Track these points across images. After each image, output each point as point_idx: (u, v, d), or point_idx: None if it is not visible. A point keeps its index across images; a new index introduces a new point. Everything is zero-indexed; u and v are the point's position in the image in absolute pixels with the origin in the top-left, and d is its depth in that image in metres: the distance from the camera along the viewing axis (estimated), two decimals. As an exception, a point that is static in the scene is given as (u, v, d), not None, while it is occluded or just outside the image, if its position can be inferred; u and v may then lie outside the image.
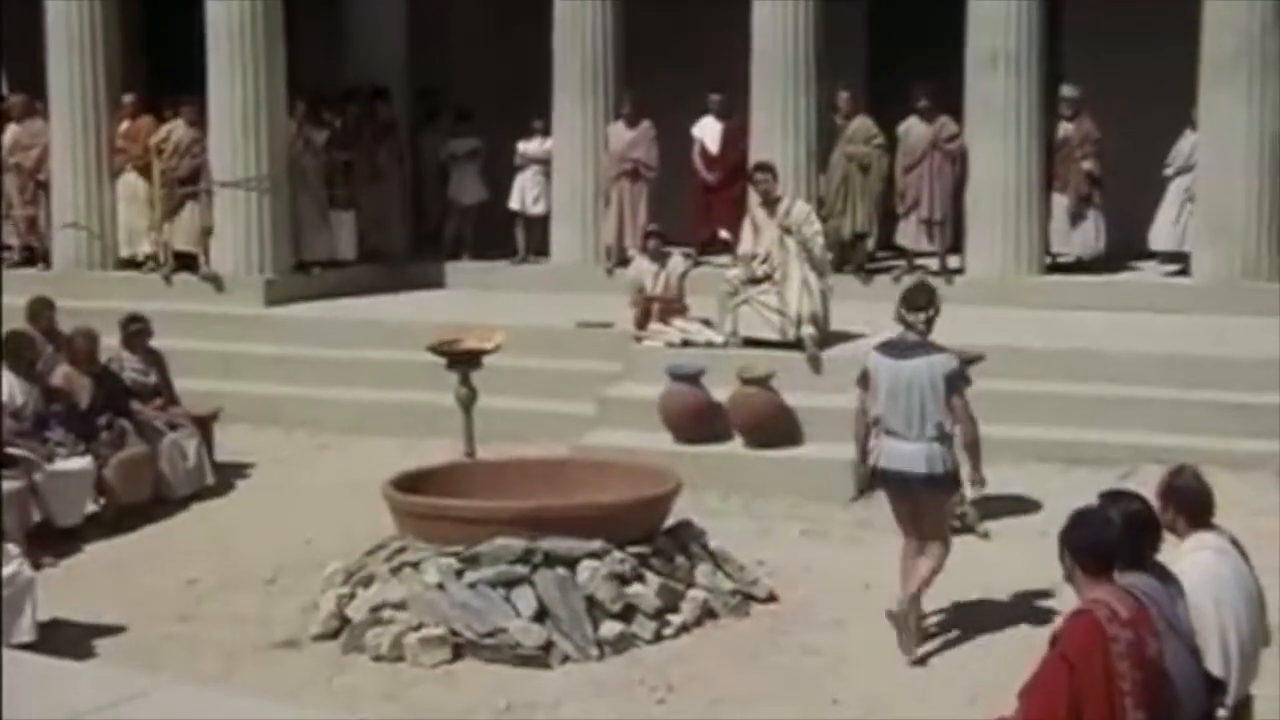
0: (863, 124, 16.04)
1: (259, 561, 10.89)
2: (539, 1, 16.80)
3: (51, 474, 11.46)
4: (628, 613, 9.37)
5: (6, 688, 5.29)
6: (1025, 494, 11.47)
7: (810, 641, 9.39)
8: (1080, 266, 15.99)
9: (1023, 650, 6.98)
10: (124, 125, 17.03)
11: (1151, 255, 16.20)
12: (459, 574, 9.39)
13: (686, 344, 13.40)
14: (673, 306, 13.93)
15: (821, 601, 9.98)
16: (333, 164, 17.15)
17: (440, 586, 9.35)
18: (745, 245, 13.33)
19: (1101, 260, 16.01)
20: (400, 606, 9.38)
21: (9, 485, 10.90)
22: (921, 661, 9.04)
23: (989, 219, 15.46)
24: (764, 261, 13.09)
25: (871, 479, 9.41)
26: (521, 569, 9.35)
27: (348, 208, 17.28)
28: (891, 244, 16.33)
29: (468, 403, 12.27)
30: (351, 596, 9.66)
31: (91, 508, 11.87)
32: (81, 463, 11.73)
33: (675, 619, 9.50)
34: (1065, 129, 15.84)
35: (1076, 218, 15.93)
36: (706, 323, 13.60)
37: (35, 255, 17.46)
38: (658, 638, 9.35)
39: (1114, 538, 5.69)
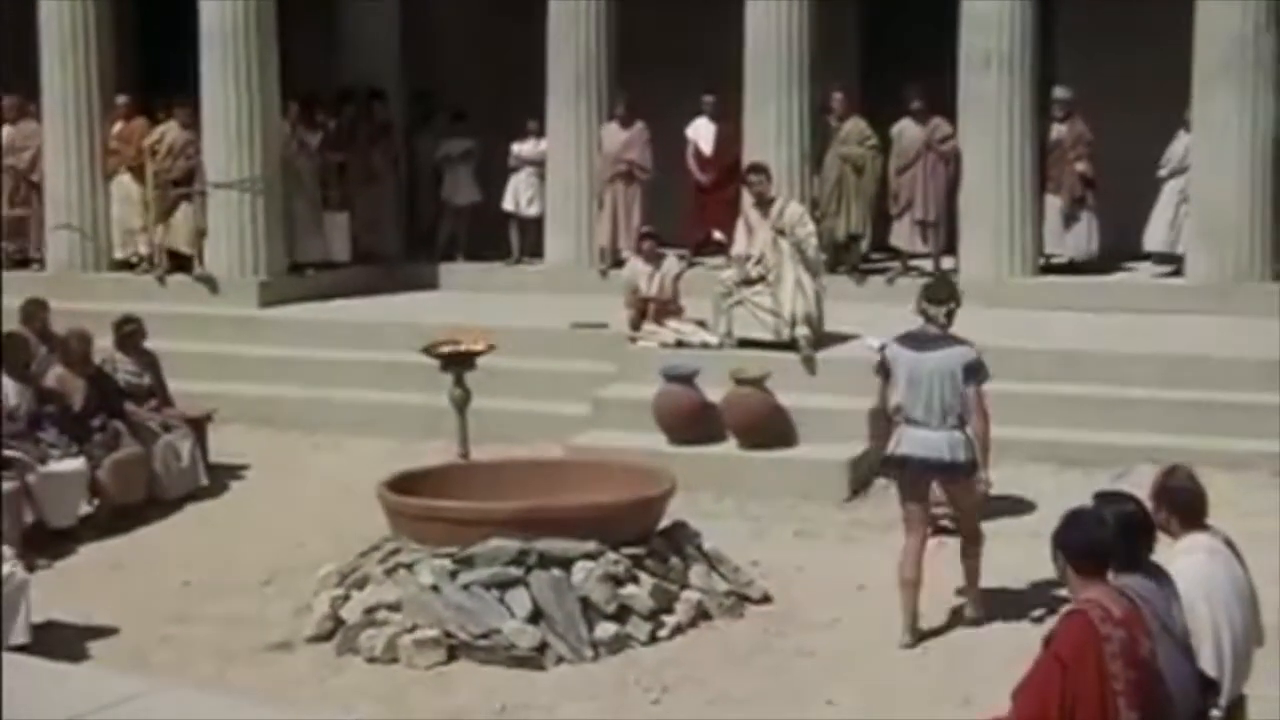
0: (856, 125, 16.05)
1: (253, 563, 10.89)
2: (533, 3, 16.81)
3: (45, 475, 11.44)
4: (622, 614, 9.36)
5: (2, 690, 5.28)
6: (1019, 494, 11.47)
7: (805, 642, 9.39)
8: (1074, 268, 16.02)
9: (1016, 651, 6.98)
10: (118, 127, 17.03)
11: (1145, 257, 16.22)
12: (453, 575, 9.38)
13: (681, 345, 13.41)
14: (667, 308, 13.94)
15: (816, 602, 9.98)
16: (327, 165, 17.16)
17: (435, 588, 9.35)
18: (739, 246, 13.34)
19: (1095, 262, 16.04)
20: (395, 608, 9.38)
21: (3, 487, 10.88)
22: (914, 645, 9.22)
23: (982, 220, 15.48)
24: (758, 263, 13.10)
25: (889, 466, 9.54)
26: (516, 570, 9.34)
27: (342, 209, 17.29)
28: (885, 245, 16.34)
29: (462, 404, 12.27)
30: (346, 598, 9.65)
31: (85, 509, 11.86)
32: (75, 464, 11.72)
33: (670, 620, 9.49)
34: (1058, 130, 15.86)
35: (1070, 219, 15.96)
36: (701, 324, 13.61)
37: (26, 258, 17.42)
38: (652, 639, 9.35)
39: (1107, 538, 5.70)
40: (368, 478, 10.59)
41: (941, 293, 9.49)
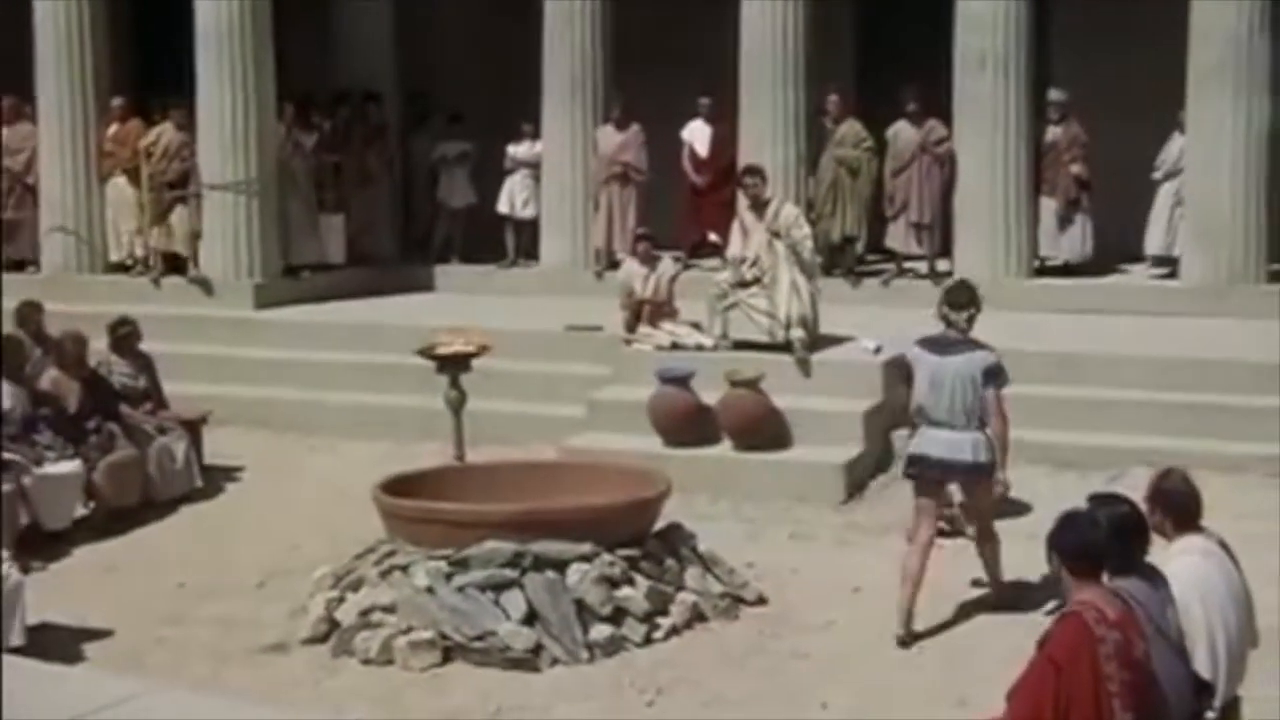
0: (851, 127, 16.06)
1: (248, 565, 10.89)
2: (528, 5, 16.81)
3: (40, 477, 11.44)
4: (617, 616, 9.37)
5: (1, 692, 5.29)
6: (1014, 496, 11.44)
7: (799, 644, 9.40)
8: (1068, 270, 16.03)
9: (1011, 652, 6.99)
10: (113, 129, 17.02)
11: (1139, 258, 16.24)
12: (448, 577, 9.38)
13: (676, 347, 13.41)
14: (662, 310, 13.94)
15: (811, 604, 9.98)
16: (322, 167, 17.15)
17: (430, 590, 9.35)
18: (734, 248, 13.35)
19: (1090, 264, 16.05)
20: (389, 610, 9.38)
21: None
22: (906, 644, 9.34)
23: (977, 222, 15.48)
24: (753, 265, 13.10)
25: (910, 465, 9.66)
26: (511, 572, 9.35)
27: (337, 211, 17.28)
28: (880, 247, 16.36)
29: (457, 406, 12.27)
30: (341, 600, 9.65)
31: (80, 511, 11.85)
32: (70, 466, 11.71)
33: (665, 622, 9.50)
34: (1053, 132, 15.87)
35: (1064, 221, 15.97)
36: (696, 326, 13.61)
37: (22, 260, 17.40)
38: (647, 641, 9.36)
39: (1101, 540, 5.71)
40: (363, 480, 10.60)
41: (962, 297, 9.67)
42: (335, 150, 17.33)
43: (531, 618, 9.20)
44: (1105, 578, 5.73)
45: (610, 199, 16.60)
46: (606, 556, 9.53)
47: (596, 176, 16.63)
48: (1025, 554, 10.02)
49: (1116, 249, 16.15)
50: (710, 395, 12.57)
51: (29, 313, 13.25)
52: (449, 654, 9.13)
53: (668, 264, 14.29)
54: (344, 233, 17.31)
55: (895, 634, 9.35)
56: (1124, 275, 16.20)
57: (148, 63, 18.87)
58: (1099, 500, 6.10)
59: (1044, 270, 16.00)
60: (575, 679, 8.92)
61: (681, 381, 12.68)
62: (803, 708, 8.53)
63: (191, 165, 16.43)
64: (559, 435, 12.88)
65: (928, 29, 15.88)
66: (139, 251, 16.95)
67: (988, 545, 9.78)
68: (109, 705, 5.43)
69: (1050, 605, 9.22)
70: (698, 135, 16.92)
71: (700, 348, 13.29)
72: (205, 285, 16.42)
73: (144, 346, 13.16)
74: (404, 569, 9.57)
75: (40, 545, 11.20)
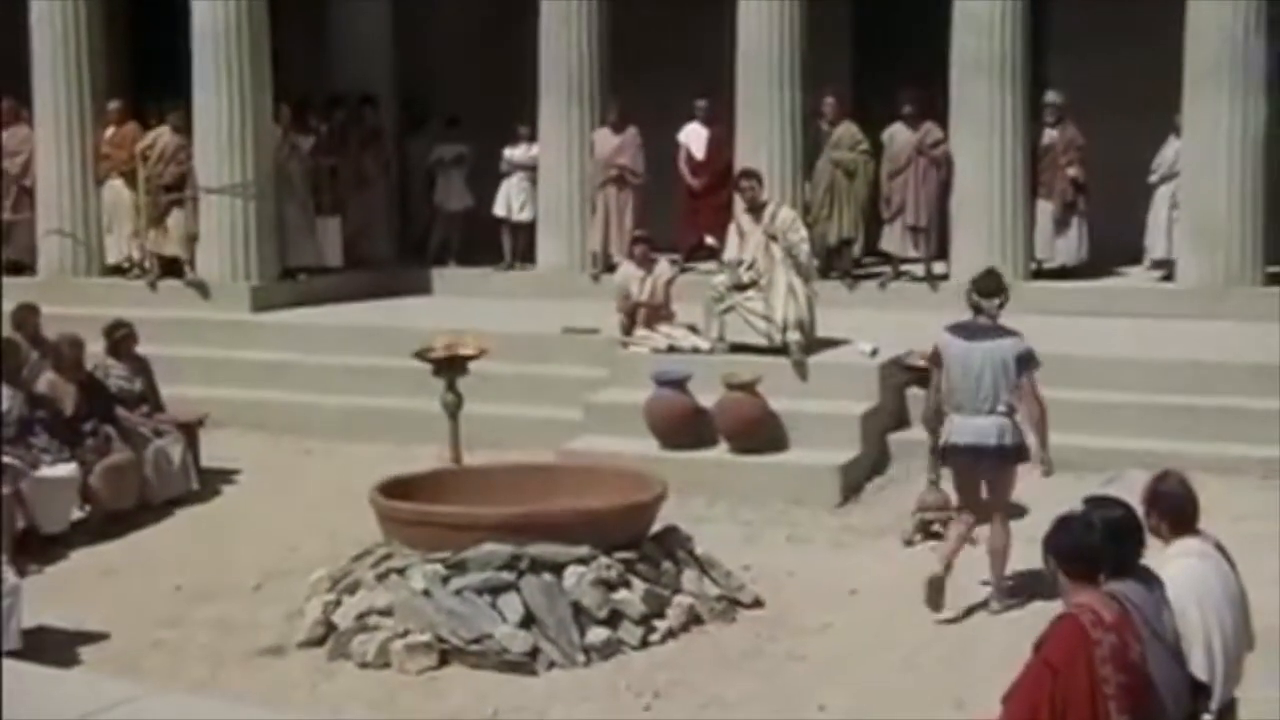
0: (848, 130, 16.08)
1: (245, 568, 10.88)
2: (525, 8, 16.82)
3: (36, 480, 11.43)
4: (614, 618, 9.37)
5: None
6: (1011, 498, 11.46)
7: (796, 647, 9.40)
8: (1065, 273, 16.03)
9: (1008, 655, 6.99)
10: (109, 131, 17.02)
11: (1136, 261, 16.25)
12: (445, 580, 9.38)
13: (672, 350, 13.41)
14: (659, 312, 13.95)
15: (808, 607, 9.98)
16: (319, 170, 17.15)
17: (426, 593, 9.35)
18: (731, 251, 13.35)
19: (1086, 266, 16.05)
20: (386, 613, 9.38)
21: (-4, 492, 10.89)
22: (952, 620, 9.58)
23: (974, 225, 15.49)
24: (750, 267, 13.11)
25: (945, 454, 9.91)
26: (508, 575, 9.35)
27: (334, 214, 17.29)
28: (877, 250, 16.36)
29: (454, 409, 12.28)
30: (337, 603, 9.65)
31: (77, 514, 11.85)
32: (67, 469, 11.71)
33: (661, 625, 9.50)
34: (1049, 135, 15.88)
35: (1061, 224, 15.97)
36: (692, 328, 13.61)
37: (20, 263, 17.40)
38: (644, 643, 9.35)
39: (1096, 542, 5.71)
40: (360, 482, 10.59)
41: (992, 285, 9.92)
42: (332, 153, 17.33)
43: (528, 620, 9.20)
44: (1101, 580, 5.73)
45: (607, 202, 16.60)
46: (603, 559, 9.53)
47: (593, 179, 16.63)
48: (1022, 556, 10.06)
49: (1113, 251, 16.16)
50: (707, 398, 12.57)
51: (26, 315, 13.25)
52: (446, 657, 9.12)
53: (664, 267, 14.30)
54: (341, 235, 17.31)
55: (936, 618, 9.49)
56: (1120, 278, 16.21)
57: (145, 66, 18.86)
58: (1095, 503, 6.09)
59: (1040, 273, 16.01)
60: (572, 682, 8.92)
61: (678, 384, 12.68)
62: (800, 710, 8.53)
63: (188, 168, 16.43)
64: (555, 438, 12.87)
65: (924, 31, 15.88)
66: (136, 254, 16.95)
67: (997, 537, 9.82)
68: (106, 708, 5.43)
69: (1029, 618, 9.27)
70: (694, 138, 16.93)
71: (697, 350, 13.29)
72: (202, 288, 16.42)
73: (141, 349, 13.16)
74: (401, 572, 9.57)
75: (37, 548, 11.20)
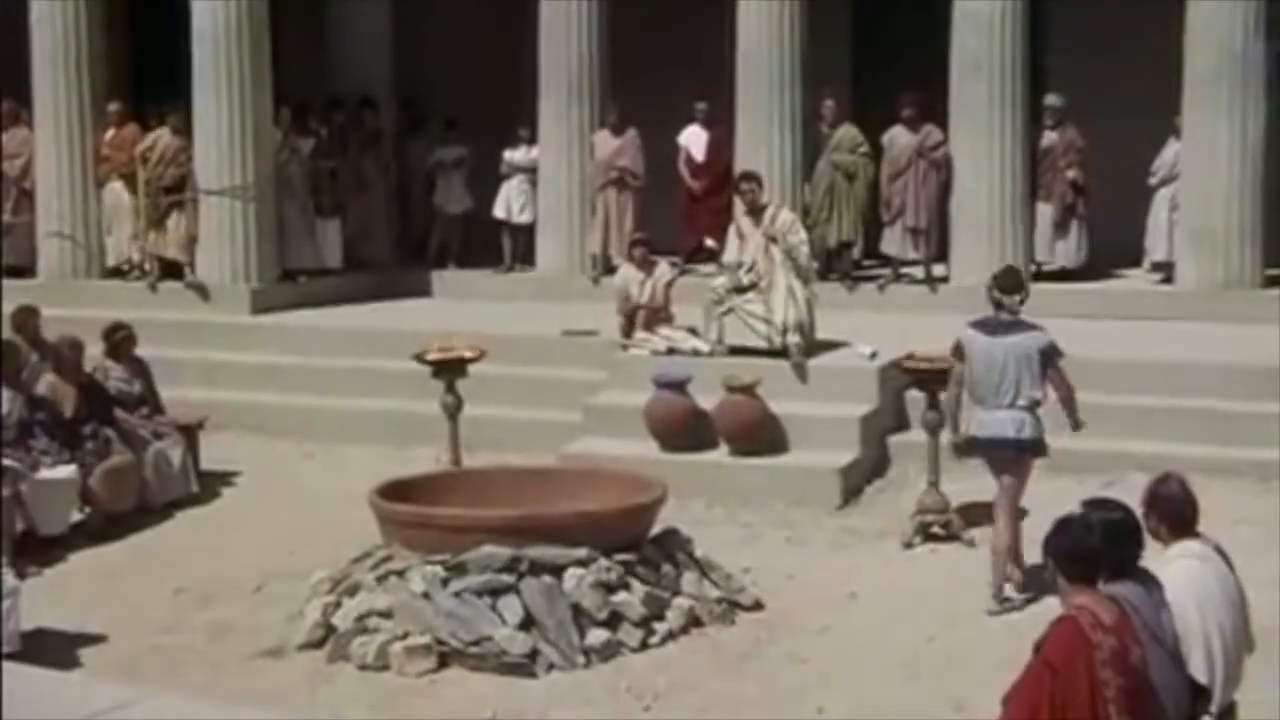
0: (848, 132, 16.08)
1: (244, 570, 10.88)
2: (524, 11, 16.82)
3: (36, 482, 11.43)
4: (614, 620, 9.37)
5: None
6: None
7: (796, 649, 9.40)
8: (1064, 275, 16.03)
9: (1007, 657, 6.99)
10: (109, 134, 17.02)
11: (1135, 264, 16.25)
12: (445, 582, 9.38)
13: (672, 352, 13.41)
14: (658, 315, 13.95)
15: (807, 609, 9.98)
16: (319, 172, 17.15)
17: (426, 595, 9.34)
18: (731, 254, 13.35)
19: (1085, 269, 16.05)
20: (386, 615, 9.37)
21: (-4, 494, 10.89)
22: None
23: (974, 227, 15.49)
24: (749, 270, 13.11)
25: (968, 448, 10.13)
26: (507, 577, 9.34)
27: (333, 216, 17.29)
28: (877, 252, 16.36)
29: (453, 411, 12.29)
30: (337, 605, 9.65)
31: (76, 516, 11.85)
32: (66, 471, 11.71)
33: (661, 627, 9.49)
34: (1049, 138, 15.89)
35: (1060, 227, 15.98)
36: (692, 331, 13.61)
37: (20, 266, 17.40)
38: (644, 645, 9.35)
39: (1095, 544, 5.71)
40: (359, 485, 10.59)
41: (1013, 282, 10.22)
42: (332, 155, 17.33)
43: (528, 623, 9.19)
44: (1100, 583, 5.73)
45: (607, 204, 16.61)
46: (603, 561, 9.53)
47: (593, 182, 16.63)
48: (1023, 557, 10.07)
49: (1112, 254, 16.16)
50: (707, 400, 12.57)
51: (25, 318, 13.24)
52: (445, 659, 9.12)
53: (664, 269, 14.30)
54: (340, 237, 17.32)
55: (989, 609, 9.73)
56: (1120, 280, 16.21)
57: (144, 68, 18.87)
58: (1094, 505, 6.10)
59: (1040, 275, 15.99)
60: (572, 684, 8.92)
61: (678, 386, 12.68)
62: (799, 712, 8.53)
63: (188, 170, 16.44)
64: (555, 440, 12.87)
65: (924, 33, 15.89)
66: (135, 256, 16.96)
67: (1000, 536, 9.91)
68: (105, 711, 5.44)
69: (1029, 620, 9.29)
70: (694, 140, 16.94)
71: (697, 353, 13.29)
72: (202, 290, 16.42)
73: (140, 351, 13.17)
74: (400, 574, 9.57)
75: (36, 550, 11.20)
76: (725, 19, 16.08)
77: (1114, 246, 16.07)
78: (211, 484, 12.98)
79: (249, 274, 16.35)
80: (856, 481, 12.35)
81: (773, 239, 13.06)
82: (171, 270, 16.67)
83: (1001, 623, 9.55)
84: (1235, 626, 6.17)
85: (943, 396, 11.26)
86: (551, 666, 9.08)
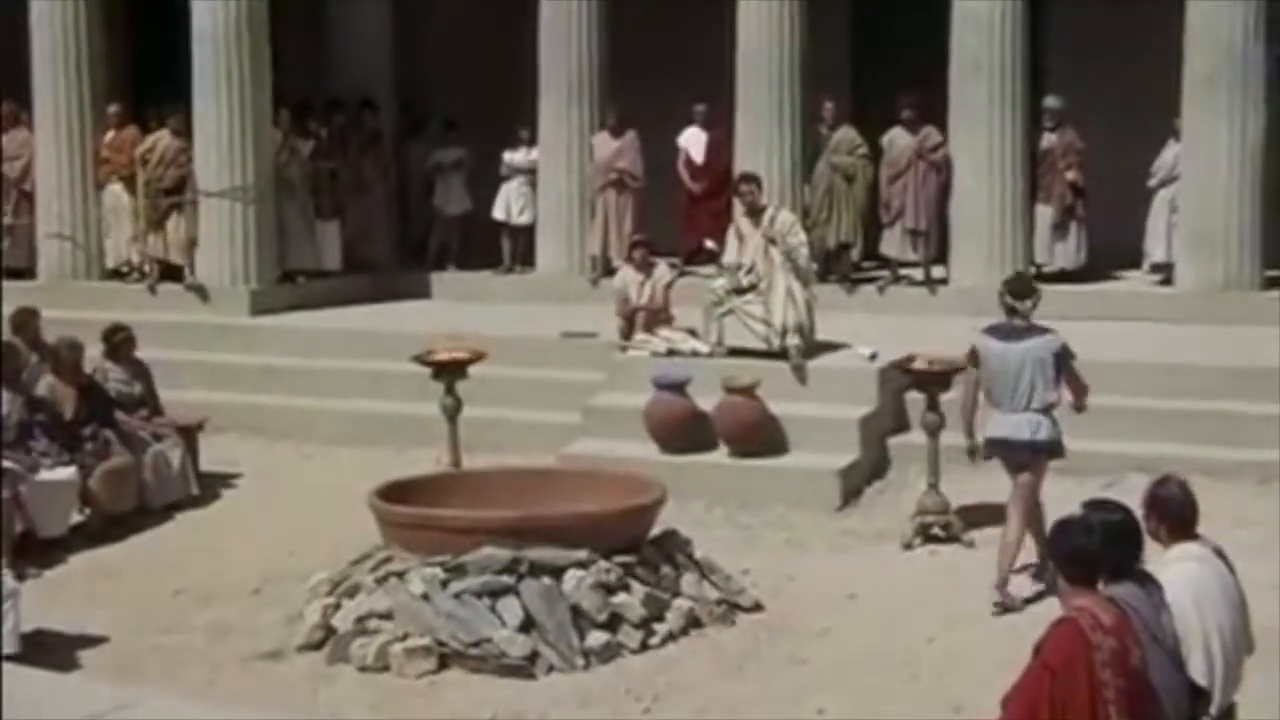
0: (847, 134, 16.08)
1: (244, 572, 10.88)
2: (524, 12, 16.83)
3: (36, 484, 11.43)
4: (613, 622, 9.36)
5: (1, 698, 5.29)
6: (1006, 503, 11.46)
7: (796, 651, 9.40)
8: (1064, 277, 16.03)
9: (1007, 658, 6.99)
10: (109, 135, 17.03)
11: (1135, 265, 16.25)
12: (444, 584, 9.37)
13: (672, 353, 13.41)
14: (658, 316, 13.95)
15: (807, 610, 9.98)
16: (318, 174, 17.16)
17: (425, 597, 9.34)
18: (730, 255, 13.35)
19: (1085, 270, 16.06)
20: (386, 617, 9.37)
21: (-4, 496, 10.89)
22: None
23: (973, 229, 15.50)
24: (749, 271, 13.11)
25: (988, 449, 10.24)
26: (507, 579, 9.34)
27: (333, 218, 17.29)
28: (876, 254, 16.36)
29: (453, 412, 12.29)
30: (337, 607, 9.64)
31: (76, 518, 11.85)
32: (66, 473, 11.70)
33: (661, 628, 9.49)
34: (1049, 139, 15.89)
35: (1060, 228, 15.98)
36: (692, 332, 13.62)
37: (20, 267, 17.40)
38: (643, 647, 9.35)
39: (1095, 546, 5.71)
40: (359, 486, 10.59)
41: (1026, 287, 10.42)
42: (331, 157, 17.34)
43: (528, 624, 9.19)
44: (1100, 584, 5.73)
45: (606, 206, 16.61)
46: (603, 563, 9.52)
47: (592, 183, 16.64)
48: (1021, 560, 10.07)
49: (1112, 255, 16.16)
50: (706, 402, 12.57)
51: (25, 319, 13.24)
52: (445, 661, 9.12)
53: (664, 270, 14.30)
54: (340, 239, 17.32)
55: (993, 605, 9.78)
56: (1119, 282, 16.22)
57: (144, 69, 18.88)
58: (1094, 506, 6.10)
59: (1040, 277, 15.94)
60: (571, 686, 8.92)
61: (677, 388, 12.68)
62: (799, 713, 8.52)
63: (188, 172, 16.44)
64: (555, 442, 12.87)
65: (923, 35, 15.89)
66: (135, 258, 16.97)
67: (1010, 531, 10.02)
68: (105, 712, 5.44)
69: (1028, 621, 9.29)
70: (693, 142, 16.94)
71: (696, 354, 13.30)
72: (201, 292, 16.42)
73: (140, 353, 13.17)
74: (400, 575, 9.56)
75: (36, 552, 11.20)
76: (725, 20, 16.08)
77: (1113, 248, 16.07)
78: (211, 485, 12.98)
79: (248, 275, 16.35)
80: (856, 483, 12.35)
81: (772, 240, 13.06)
82: (171, 272, 16.68)
83: (1001, 624, 9.55)
84: (1235, 628, 6.17)
85: (943, 399, 11.30)
86: (551, 668, 9.08)
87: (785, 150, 15.86)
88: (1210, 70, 14.81)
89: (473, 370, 12.46)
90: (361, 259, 17.58)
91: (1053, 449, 10.10)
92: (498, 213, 17.57)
